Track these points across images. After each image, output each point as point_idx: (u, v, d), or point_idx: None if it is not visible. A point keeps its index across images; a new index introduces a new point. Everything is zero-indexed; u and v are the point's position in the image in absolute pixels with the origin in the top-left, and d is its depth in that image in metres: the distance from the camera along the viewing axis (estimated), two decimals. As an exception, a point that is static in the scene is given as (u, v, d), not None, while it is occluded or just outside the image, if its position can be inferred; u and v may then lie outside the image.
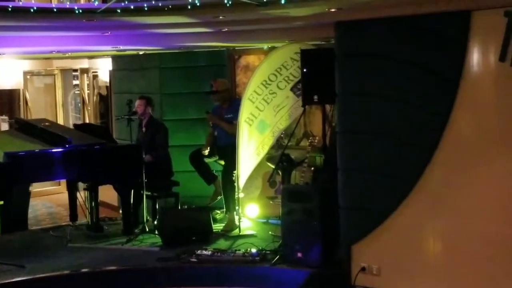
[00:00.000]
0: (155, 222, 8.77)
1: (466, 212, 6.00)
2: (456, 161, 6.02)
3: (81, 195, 9.48)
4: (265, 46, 8.84)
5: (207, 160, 9.23)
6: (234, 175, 8.66)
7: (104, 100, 13.07)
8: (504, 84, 5.71)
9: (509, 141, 5.69)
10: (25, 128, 9.05)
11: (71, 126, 11.95)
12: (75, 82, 13.97)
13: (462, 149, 5.98)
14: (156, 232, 8.57)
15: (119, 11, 5.91)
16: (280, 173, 8.93)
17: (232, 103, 9.18)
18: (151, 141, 9.14)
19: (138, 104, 9.22)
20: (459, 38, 5.84)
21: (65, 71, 13.76)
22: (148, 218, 8.93)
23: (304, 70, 7.52)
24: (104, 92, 13.03)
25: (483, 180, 5.89)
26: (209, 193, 9.41)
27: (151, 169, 8.84)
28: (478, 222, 5.92)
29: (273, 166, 8.78)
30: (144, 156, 8.89)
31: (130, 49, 9.28)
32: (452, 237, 6.12)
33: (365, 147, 6.63)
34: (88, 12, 5.94)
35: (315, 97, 7.48)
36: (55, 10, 5.87)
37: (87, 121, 13.27)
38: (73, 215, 9.47)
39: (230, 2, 5.69)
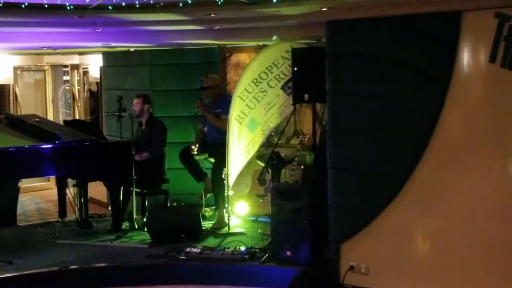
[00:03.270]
0: (144, 219, 8.76)
1: (455, 212, 6.02)
2: (446, 161, 6.05)
3: (70, 192, 9.46)
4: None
5: (197, 157, 9.22)
6: (224, 172, 8.67)
7: (94, 97, 13.06)
8: (494, 85, 5.74)
9: (499, 141, 5.72)
10: (15, 123, 9.01)
11: (61, 122, 11.93)
12: (66, 78, 13.94)
13: (451, 149, 6.00)
14: (145, 229, 8.57)
15: (110, 7, 5.89)
16: (270, 171, 8.93)
17: (222, 99, 9.17)
18: (150, 138, 9.13)
19: (135, 103, 9.19)
20: (450, 38, 5.85)
21: (55, 67, 13.72)
22: (136, 216, 8.89)
23: (295, 68, 7.52)
24: (94, 88, 13.02)
25: (472, 180, 5.91)
26: (198, 191, 9.41)
27: (144, 166, 8.83)
28: (466, 222, 5.94)
29: (263, 164, 8.78)
30: (141, 153, 8.89)
31: (121, 45, 9.27)
32: (441, 236, 6.15)
33: (355, 146, 6.64)
34: (80, 8, 5.92)
35: (306, 95, 7.48)
36: (46, 6, 5.85)
37: (77, 117, 13.26)
38: (62, 211, 9.45)
39: (221, 0, 5.69)
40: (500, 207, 5.75)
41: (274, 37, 7.69)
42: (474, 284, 5.96)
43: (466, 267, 5.98)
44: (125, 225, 8.90)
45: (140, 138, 9.14)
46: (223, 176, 8.73)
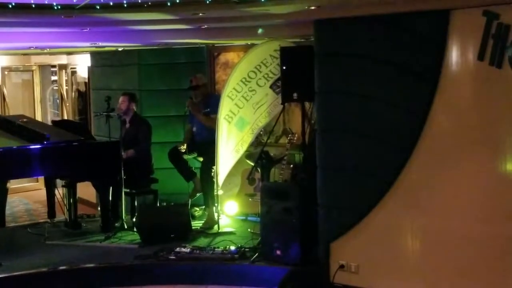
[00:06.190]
0: (134, 219, 8.74)
1: (444, 210, 6.03)
2: (434, 160, 6.05)
3: (59, 192, 9.43)
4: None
5: (186, 157, 9.20)
6: (213, 172, 8.65)
7: (82, 97, 13.02)
8: (482, 83, 5.74)
9: (487, 139, 5.73)
10: (2, 124, 8.97)
11: (49, 123, 11.89)
12: (53, 78, 13.91)
13: (440, 147, 6.01)
14: (135, 230, 8.55)
15: (98, 7, 5.87)
16: (259, 170, 8.93)
17: (209, 98, 9.16)
18: (135, 137, 9.11)
19: (121, 101, 9.18)
20: (438, 37, 5.86)
21: (43, 67, 13.68)
22: (125, 216, 8.86)
23: (284, 67, 7.52)
24: (82, 88, 12.98)
25: (461, 178, 5.92)
26: (188, 190, 9.39)
27: (132, 165, 8.81)
28: (455, 220, 5.95)
29: (252, 164, 8.78)
30: (127, 151, 8.89)
31: (109, 45, 9.24)
32: (430, 235, 6.15)
33: (344, 145, 6.65)
34: (67, 8, 5.89)
35: (295, 94, 7.47)
36: (33, 6, 5.82)
37: (65, 117, 13.23)
38: (51, 212, 9.43)
39: (209, -1, 5.69)
40: (490, 205, 5.75)
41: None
42: (464, 282, 5.97)
43: (456, 265, 5.99)
44: (119, 224, 8.88)
45: (124, 137, 9.13)
46: (212, 175, 8.71)
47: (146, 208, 8.91)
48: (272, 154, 8.95)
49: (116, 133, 9.16)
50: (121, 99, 9.21)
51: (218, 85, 10.21)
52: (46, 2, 5.72)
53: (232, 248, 7.64)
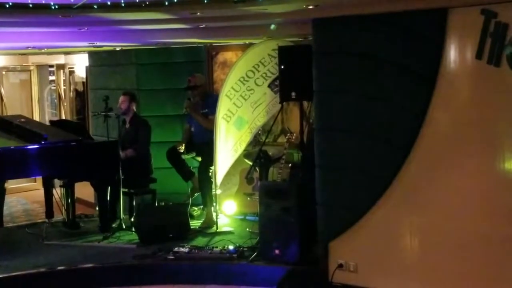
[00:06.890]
0: (132, 219, 8.73)
1: (443, 209, 6.02)
2: (433, 159, 6.05)
3: (57, 192, 9.41)
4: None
5: (184, 156, 9.19)
6: (211, 171, 8.64)
7: (80, 96, 13.01)
8: (480, 82, 5.74)
9: (486, 138, 5.73)
10: (0, 124, 8.96)
11: (47, 123, 11.87)
12: (51, 78, 13.89)
13: (438, 146, 6.01)
14: (133, 229, 8.54)
15: (95, 7, 5.86)
16: (258, 169, 8.93)
17: (208, 98, 9.15)
18: (135, 137, 9.10)
19: (122, 100, 9.16)
20: (436, 36, 5.85)
21: (41, 67, 13.65)
22: (123, 216, 8.85)
23: (282, 66, 7.52)
24: (80, 88, 12.97)
25: (459, 177, 5.92)
26: (186, 190, 9.39)
27: (131, 165, 8.80)
28: (454, 219, 5.95)
29: (250, 163, 8.77)
30: (126, 150, 8.87)
31: (106, 45, 9.23)
32: (429, 234, 6.15)
33: (342, 144, 6.64)
34: (64, 7, 5.88)
35: (293, 93, 7.48)
36: (30, 5, 5.81)
37: (63, 117, 13.20)
38: (49, 212, 9.39)
39: (207, -1, 5.68)
40: (488, 203, 5.75)
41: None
42: (463, 281, 5.96)
43: (454, 264, 5.99)
44: (117, 224, 8.87)
45: (124, 137, 9.11)
46: (210, 174, 8.71)
47: (144, 208, 8.90)
48: (270, 153, 8.95)
49: (114, 133, 9.14)
50: (121, 98, 9.19)
51: (216, 84, 10.21)
52: (44, 2, 5.71)
53: (231, 247, 7.63)
